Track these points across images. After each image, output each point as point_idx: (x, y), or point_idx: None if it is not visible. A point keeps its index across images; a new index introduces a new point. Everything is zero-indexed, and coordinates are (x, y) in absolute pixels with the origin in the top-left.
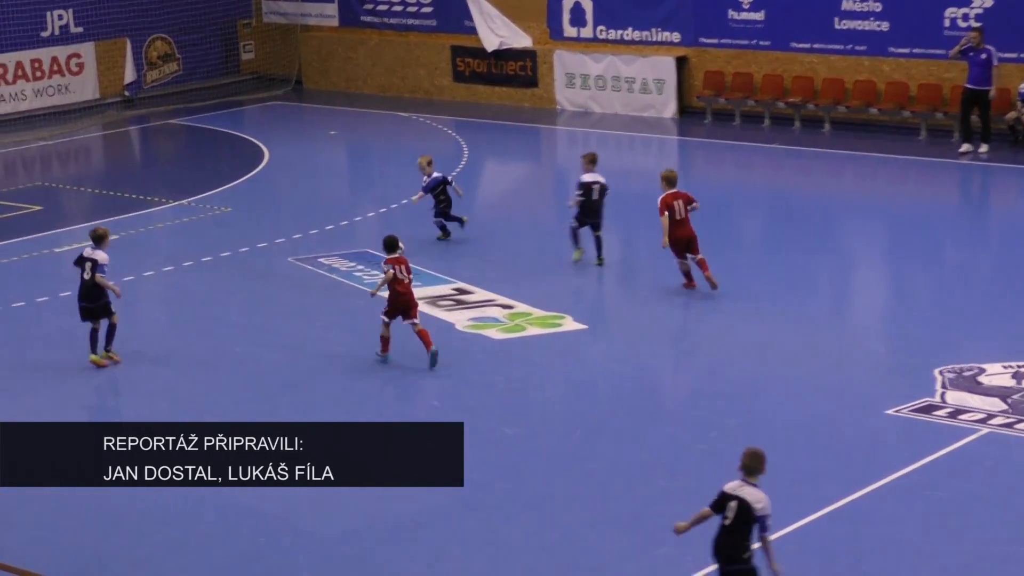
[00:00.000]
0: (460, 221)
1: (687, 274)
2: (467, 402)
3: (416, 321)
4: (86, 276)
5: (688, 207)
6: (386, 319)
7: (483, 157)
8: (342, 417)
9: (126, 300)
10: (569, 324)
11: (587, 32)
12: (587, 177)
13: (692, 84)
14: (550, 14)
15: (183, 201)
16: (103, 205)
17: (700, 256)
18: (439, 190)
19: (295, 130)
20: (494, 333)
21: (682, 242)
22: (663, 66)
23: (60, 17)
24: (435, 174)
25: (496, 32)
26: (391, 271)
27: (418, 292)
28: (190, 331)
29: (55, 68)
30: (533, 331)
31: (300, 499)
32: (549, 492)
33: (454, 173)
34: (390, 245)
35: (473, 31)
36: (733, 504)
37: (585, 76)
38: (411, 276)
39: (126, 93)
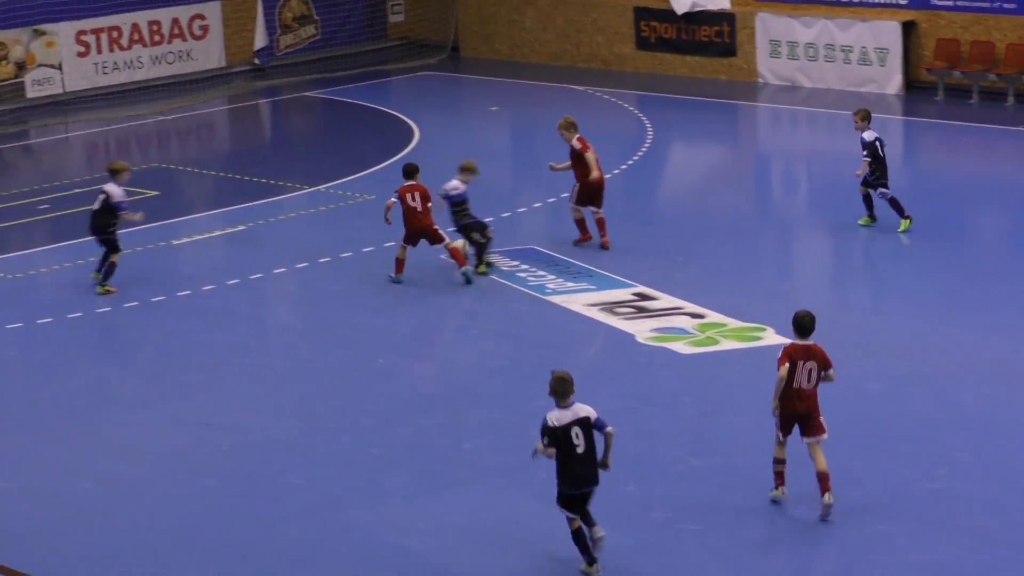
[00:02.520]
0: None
1: (579, 223)
2: (649, 426)
3: (446, 243)
4: (96, 207)
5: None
6: (404, 244)
7: (670, 139)
8: (501, 442)
9: (251, 303)
10: (771, 337)
11: None
12: (868, 135)
13: (921, 54)
14: None
15: (320, 187)
16: (228, 190)
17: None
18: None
19: (450, 105)
20: (681, 347)
21: (590, 191)
22: (886, 32)
23: None
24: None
25: None
26: (392, 200)
27: (592, 297)
28: (326, 339)
29: (175, 31)
30: (728, 345)
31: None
32: (744, 536)
33: (636, 156)
34: (406, 172)
35: None
36: (577, 430)
37: (793, 44)
38: (429, 204)
39: (256, 61)
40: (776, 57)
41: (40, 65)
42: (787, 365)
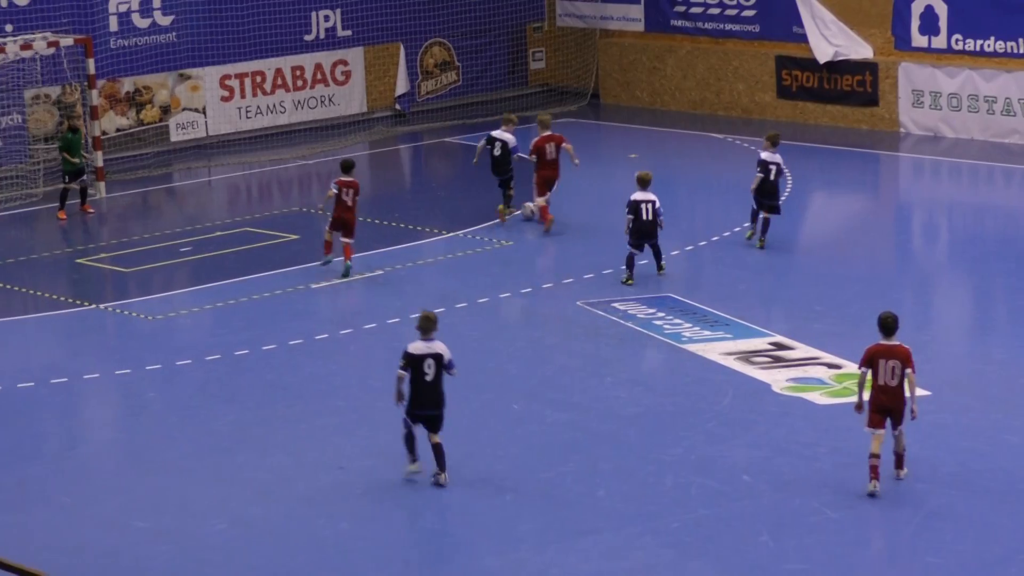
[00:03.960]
0: None
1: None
2: (784, 477)
3: (347, 241)
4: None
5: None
6: (330, 229)
7: (811, 188)
8: (635, 490)
9: (388, 347)
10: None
11: (940, 41)
12: (765, 155)
13: None
14: (896, 20)
15: (458, 232)
16: (368, 234)
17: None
18: None
19: (590, 151)
20: (818, 397)
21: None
22: None
23: (327, 18)
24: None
25: (830, 40)
26: (333, 190)
27: (729, 345)
28: (461, 384)
29: (318, 77)
30: (865, 396)
31: None
32: None
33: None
34: (344, 167)
35: (803, 39)
36: (431, 361)
37: (936, 94)
38: (357, 199)
39: (398, 106)
40: (919, 107)
41: (184, 109)
42: (864, 368)
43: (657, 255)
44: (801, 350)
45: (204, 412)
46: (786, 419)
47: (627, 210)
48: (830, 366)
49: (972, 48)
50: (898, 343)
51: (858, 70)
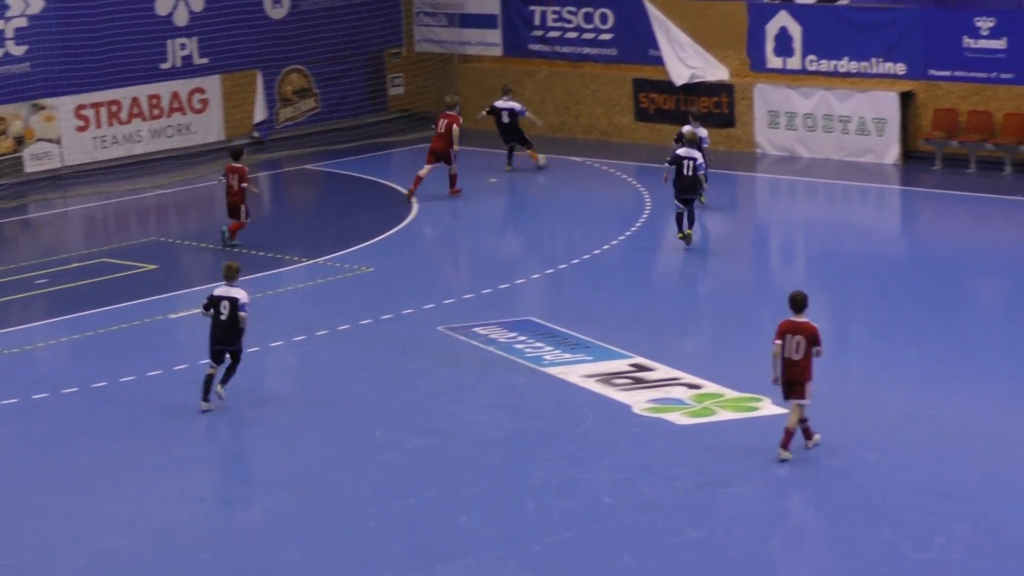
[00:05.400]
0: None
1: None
2: (646, 498)
3: (231, 223)
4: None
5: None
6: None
7: (670, 209)
8: (497, 514)
9: (250, 376)
10: (767, 408)
11: (795, 63)
12: (682, 152)
13: (919, 124)
14: (751, 42)
15: (319, 259)
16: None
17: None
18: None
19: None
20: (678, 417)
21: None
22: (885, 103)
23: (183, 46)
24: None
25: (687, 63)
26: (221, 177)
27: (590, 368)
28: (323, 412)
29: (175, 105)
30: (725, 415)
31: None
32: None
33: (634, 227)
34: (233, 154)
35: (660, 62)
36: (227, 303)
37: (791, 114)
38: (244, 184)
39: (256, 134)
40: (775, 128)
41: (39, 139)
42: (779, 341)
43: (690, 219)
44: (661, 371)
45: (62, 446)
46: (647, 440)
47: (668, 161)
48: (690, 386)
49: (826, 69)
50: (805, 320)
51: (714, 92)
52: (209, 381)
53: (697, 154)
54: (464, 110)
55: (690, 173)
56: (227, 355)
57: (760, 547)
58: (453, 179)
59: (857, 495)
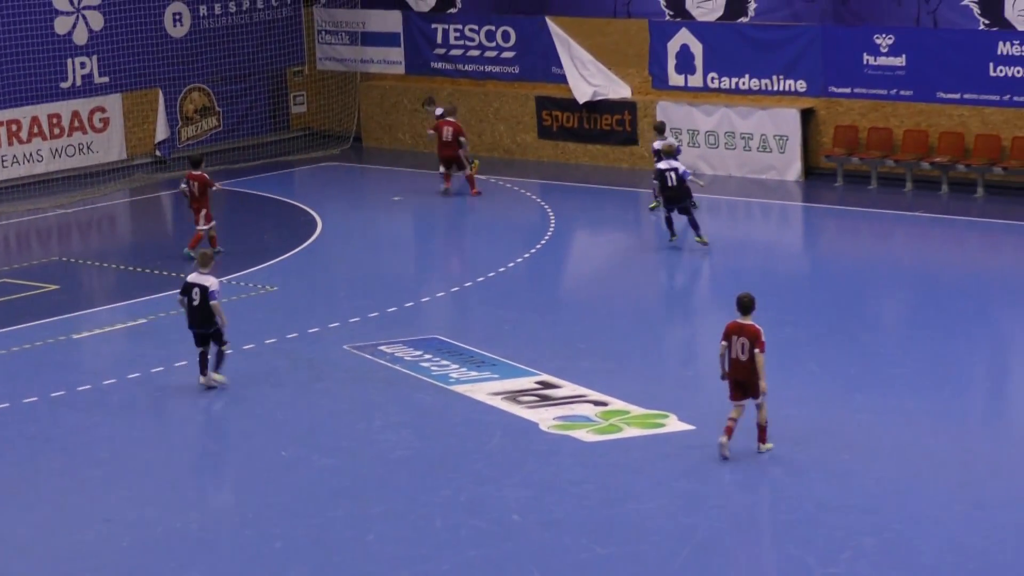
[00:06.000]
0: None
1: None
2: (553, 515)
3: (200, 228)
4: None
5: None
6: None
7: (573, 227)
8: (405, 533)
9: (152, 396)
10: (673, 424)
11: (696, 80)
12: (663, 165)
13: (820, 141)
14: (652, 59)
15: (223, 278)
16: (130, 283)
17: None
18: None
19: (353, 195)
20: (584, 434)
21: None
22: (786, 120)
23: (83, 65)
24: None
25: (589, 80)
26: (183, 185)
27: (496, 386)
28: (229, 431)
29: (76, 124)
30: (631, 432)
31: None
32: None
33: (539, 245)
34: (193, 162)
35: (562, 79)
36: (197, 290)
37: (694, 131)
38: (199, 190)
39: (158, 153)
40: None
41: None
42: (725, 342)
43: (693, 224)
44: (567, 388)
45: None
46: (554, 458)
47: (653, 177)
48: (596, 403)
49: (727, 86)
50: (750, 322)
51: (617, 110)
52: (203, 358)
53: (677, 163)
54: (367, 129)
55: (675, 183)
56: (210, 340)
57: (667, 563)
58: (471, 181)
59: (763, 510)
